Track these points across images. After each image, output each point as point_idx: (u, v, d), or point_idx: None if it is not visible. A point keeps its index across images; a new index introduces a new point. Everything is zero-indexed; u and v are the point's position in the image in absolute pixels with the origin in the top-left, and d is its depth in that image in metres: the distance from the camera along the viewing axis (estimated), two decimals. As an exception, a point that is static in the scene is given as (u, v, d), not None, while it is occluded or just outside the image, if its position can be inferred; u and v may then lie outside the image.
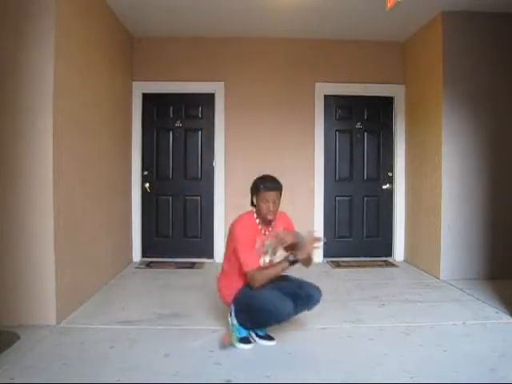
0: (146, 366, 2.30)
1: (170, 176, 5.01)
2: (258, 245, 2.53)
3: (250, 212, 2.61)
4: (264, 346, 2.56)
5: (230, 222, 2.67)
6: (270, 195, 2.47)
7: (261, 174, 2.63)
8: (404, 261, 4.97)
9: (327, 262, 4.89)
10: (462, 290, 3.75)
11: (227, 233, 2.66)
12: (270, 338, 2.60)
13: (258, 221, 2.57)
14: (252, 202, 2.59)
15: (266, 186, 2.49)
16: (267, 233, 2.59)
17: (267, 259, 2.60)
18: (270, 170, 4.64)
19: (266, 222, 2.57)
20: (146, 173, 4.96)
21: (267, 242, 2.57)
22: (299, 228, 4.94)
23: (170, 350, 2.49)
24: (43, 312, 2.82)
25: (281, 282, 2.53)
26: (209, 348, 2.53)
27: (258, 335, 2.62)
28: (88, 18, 3.44)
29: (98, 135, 3.69)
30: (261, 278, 2.40)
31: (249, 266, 2.41)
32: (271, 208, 2.47)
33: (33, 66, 2.79)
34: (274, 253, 2.60)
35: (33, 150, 2.80)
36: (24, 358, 2.34)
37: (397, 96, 5.01)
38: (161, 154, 4.99)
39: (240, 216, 2.60)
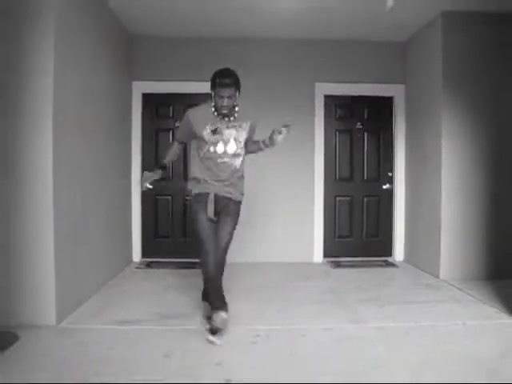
0: (146, 366, 2.30)
1: (170, 176, 5.01)
2: (209, 129, 2.68)
3: (208, 103, 2.75)
4: (265, 346, 2.56)
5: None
6: (225, 91, 2.57)
7: (220, 68, 2.68)
8: (404, 261, 4.96)
9: (327, 261, 4.88)
10: (461, 289, 3.75)
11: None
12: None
13: (212, 110, 2.70)
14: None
15: (221, 82, 2.57)
16: (229, 123, 2.72)
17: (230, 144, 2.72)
18: (269, 169, 4.70)
19: (223, 115, 2.69)
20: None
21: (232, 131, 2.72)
22: (300, 227, 4.92)
23: (170, 350, 2.49)
24: (43, 312, 2.81)
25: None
26: (209, 348, 2.53)
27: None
28: (87, 17, 3.44)
29: (97, 135, 3.69)
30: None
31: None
32: (225, 103, 2.60)
33: (32, 66, 2.79)
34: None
35: (33, 150, 2.80)
36: (24, 358, 2.34)
37: (397, 96, 5.01)
38: (161, 154, 4.98)
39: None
